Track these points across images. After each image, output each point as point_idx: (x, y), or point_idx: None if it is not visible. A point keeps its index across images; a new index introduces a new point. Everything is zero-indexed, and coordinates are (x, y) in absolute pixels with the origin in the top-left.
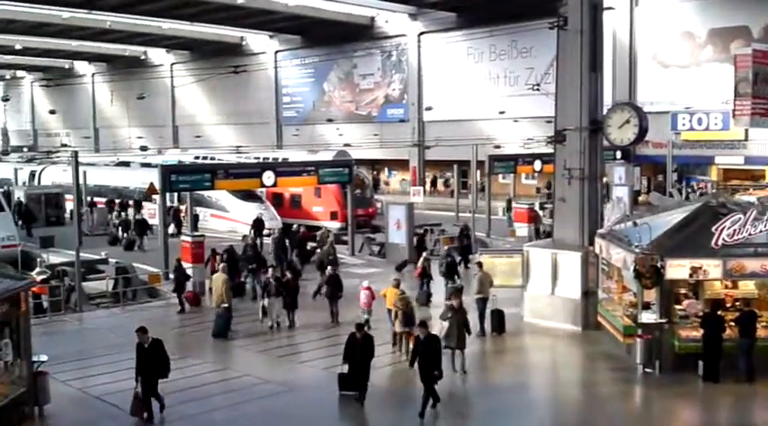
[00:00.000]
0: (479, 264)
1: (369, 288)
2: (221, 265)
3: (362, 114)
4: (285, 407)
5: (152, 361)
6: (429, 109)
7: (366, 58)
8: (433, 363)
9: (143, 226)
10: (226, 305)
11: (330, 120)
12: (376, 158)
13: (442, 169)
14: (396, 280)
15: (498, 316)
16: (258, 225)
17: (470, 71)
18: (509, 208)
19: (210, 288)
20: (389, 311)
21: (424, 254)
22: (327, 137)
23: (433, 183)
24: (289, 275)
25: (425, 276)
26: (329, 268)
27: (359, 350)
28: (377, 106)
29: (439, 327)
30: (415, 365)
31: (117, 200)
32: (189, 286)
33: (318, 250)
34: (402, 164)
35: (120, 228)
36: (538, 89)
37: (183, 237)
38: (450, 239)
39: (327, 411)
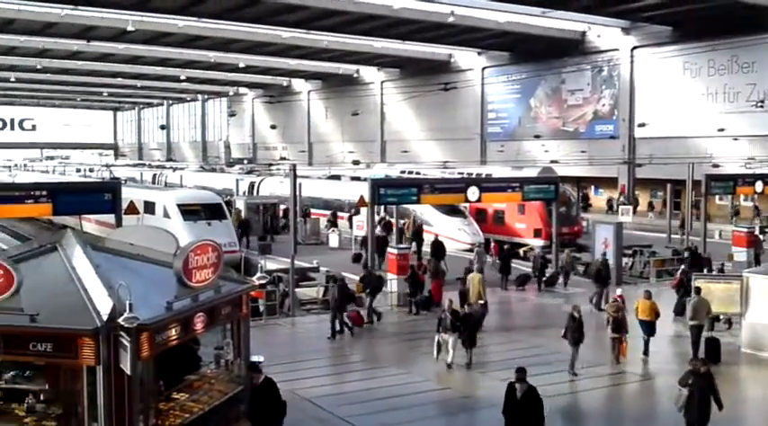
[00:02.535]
0: (697, 290)
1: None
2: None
3: (569, 130)
4: None
5: (264, 403)
6: (643, 125)
7: (575, 74)
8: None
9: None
10: (482, 301)
11: (537, 136)
12: (582, 175)
13: (652, 188)
14: (647, 292)
15: (713, 345)
16: (438, 248)
17: (686, 86)
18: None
19: None
20: (642, 322)
21: (683, 266)
22: (533, 153)
23: (650, 205)
24: (467, 308)
25: (682, 287)
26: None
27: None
28: (584, 122)
29: (676, 393)
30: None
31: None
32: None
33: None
34: (609, 182)
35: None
36: (761, 106)
37: (388, 249)
38: (662, 262)
39: None
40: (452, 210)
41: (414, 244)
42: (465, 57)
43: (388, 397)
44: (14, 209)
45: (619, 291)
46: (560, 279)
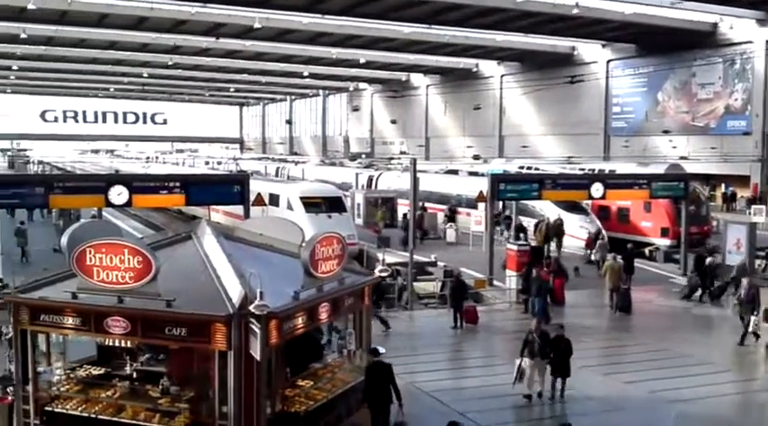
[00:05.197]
0: None
1: None
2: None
3: (699, 126)
4: None
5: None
6: None
7: (705, 67)
8: None
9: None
10: (625, 286)
11: (666, 132)
12: (712, 173)
13: None
14: None
15: None
16: (536, 253)
17: None
18: None
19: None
20: None
21: None
22: (660, 149)
23: None
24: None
25: None
26: None
27: None
28: (715, 117)
29: None
30: None
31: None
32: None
33: None
34: (740, 180)
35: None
36: None
37: (507, 245)
38: None
39: None
40: (573, 207)
41: (548, 243)
42: (589, 50)
43: (505, 395)
44: (150, 199)
45: None
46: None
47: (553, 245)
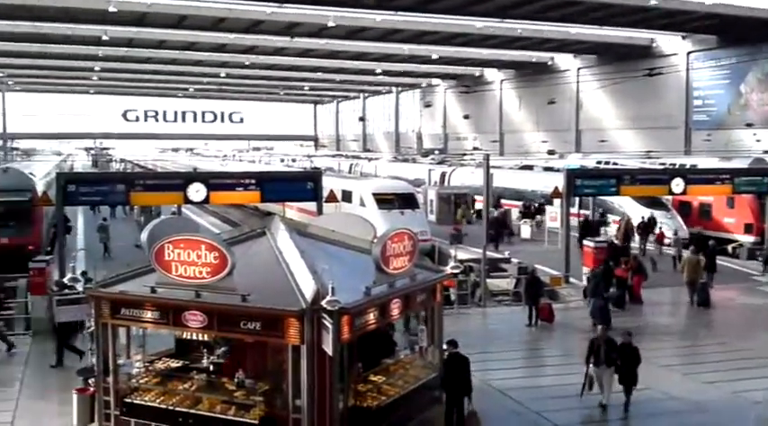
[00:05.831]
0: None
1: None
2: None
3: None
4: None
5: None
6: None
7: None
8: None
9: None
10: (703, 280)
11: (749, 125)
12: None
13: None
14: None
15: None
16: (615, 251)
17: None
18: None
19: None
20: None
21: None
22: (743, 142)
23: None
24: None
25: None
26: None
27: None
28: None
29: None
30: None
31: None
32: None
33: None
34: None
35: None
36: None
37: (584, 242)
38: None
39: None
40: (653, 203)
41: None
42: (668, 42)
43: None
44: (227, 196)
45: None
46: None
47: (634, 243)
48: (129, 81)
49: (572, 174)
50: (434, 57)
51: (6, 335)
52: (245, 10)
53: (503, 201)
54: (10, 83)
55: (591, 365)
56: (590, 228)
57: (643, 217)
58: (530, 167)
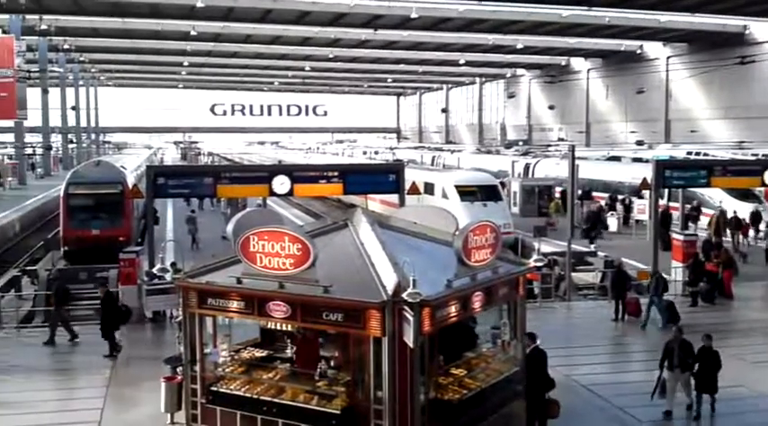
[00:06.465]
0: None
1: None
2: None
3: None
4: None
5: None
6: None
7: None
8: None
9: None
10: None
11: None
12: None
13: None
14: None
15: None
16: (706, 245)
17: None
18: None
19: None
20: None
21: None
22: None
23: None
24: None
25: None
26: None
27: None
28: None
29: None
30: None
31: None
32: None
33: None
34: None
35: None
36: None
37: (673, 235)
38: None
39: None
40: (746, 194)
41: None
42: (762, 29)
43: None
44: (310, 188)
45: None
46: None
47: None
48: (217, 75)
49: (661, 165)
50: (519, 46)
51: (71, 325)
52: (329, 3)
53: (594, 194)
54: (102, 78)
55: (665, 369)
56: (669, 221)
57: (735, 211)
58: (617, 158)
